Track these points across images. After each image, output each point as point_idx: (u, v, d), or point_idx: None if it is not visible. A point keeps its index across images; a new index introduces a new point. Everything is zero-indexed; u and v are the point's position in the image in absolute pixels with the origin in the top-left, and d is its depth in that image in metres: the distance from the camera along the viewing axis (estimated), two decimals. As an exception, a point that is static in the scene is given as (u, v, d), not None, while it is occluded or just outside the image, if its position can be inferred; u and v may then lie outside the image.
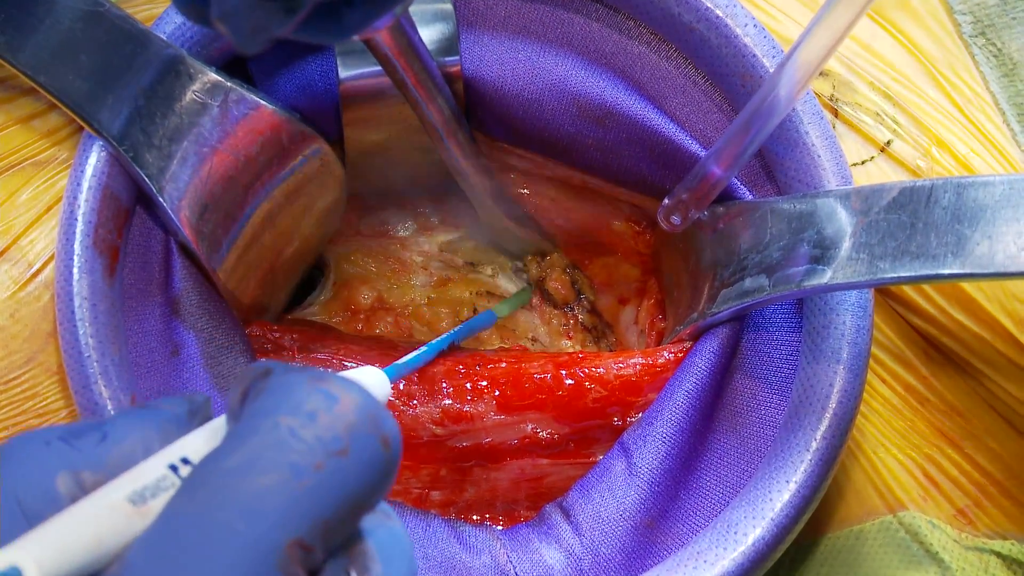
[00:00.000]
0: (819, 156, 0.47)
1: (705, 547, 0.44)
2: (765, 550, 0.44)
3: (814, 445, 0.45)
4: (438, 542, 0.48)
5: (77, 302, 0.45)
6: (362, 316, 0.60)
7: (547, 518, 0.50)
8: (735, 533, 0.44)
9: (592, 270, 0.61)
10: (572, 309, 0.62)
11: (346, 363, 0.53)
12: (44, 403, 0.48)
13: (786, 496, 0.45)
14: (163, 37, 0.47)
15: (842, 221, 0.43)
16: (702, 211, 0.48)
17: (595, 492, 0.48)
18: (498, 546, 0.48)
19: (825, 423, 0.45)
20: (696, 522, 0.47)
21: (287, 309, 0.59)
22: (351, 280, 0.60)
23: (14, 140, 0.49)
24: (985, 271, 0.39)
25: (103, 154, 0.46)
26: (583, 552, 0.47)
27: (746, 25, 0.48)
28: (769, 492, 0.45)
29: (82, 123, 0.46)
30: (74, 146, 0.48)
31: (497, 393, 0.52)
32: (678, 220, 0.48)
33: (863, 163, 0.52)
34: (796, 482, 0.45)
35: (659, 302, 0.57)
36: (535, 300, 0.62)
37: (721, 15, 0.48)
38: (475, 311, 0.62)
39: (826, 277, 0.43)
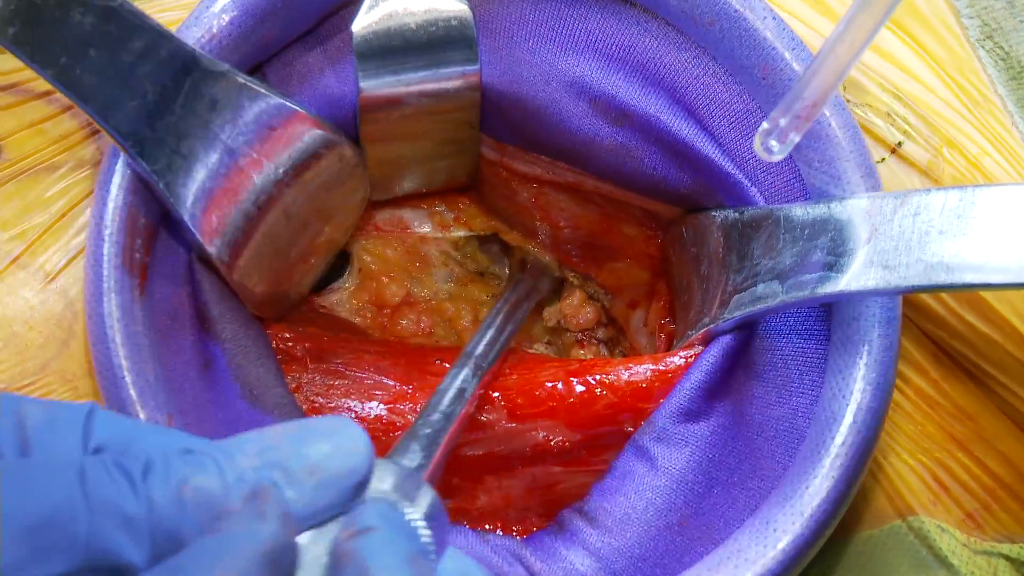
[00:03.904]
0: (842, 147, 0.47)
1: (745, 544, 0.44)
2: (804, 546, 0.44)
3: (851, 440, 0.45)
4: (470, 551, 0.48)
5: (109, 323, 0.44)
6: (386, 312, 0.60)
7: (567, 524, 0.49)
8: (774, 530, 0.44)
9: (602, 276, 0.61)
10: (590, 329, 0.62)
11: (360, 376, 0.52)
12: (58, 410, 0.48)
13: (824, 492, 0.44)
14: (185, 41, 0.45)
15: (856, 228, 0.43)
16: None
17: (620, 495, 0.48)
18: (527, 554, 0.48)
19: (855, 429, 0.45)
20: (730, 519, 0.47)
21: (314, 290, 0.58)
22: (377, 273, 0.60)
23: (26, 145, 0.49)
24: (1002, 281, 0.39)
25: (127, 171, 0.45)
26: (614, 555, 0.47)
27: (765, 18, 0.48)
28: (806, 488, 0.45)
29: (92, 119, 0.44)
30: (87, 150, 0.48)
31: (508, 401, 0.52)
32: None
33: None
34: (833, 477, 0.45)
35: (668, 304, 0.57)
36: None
37: (740, 9, 0.48)
38: None
39: (840, 284, 0.43)
